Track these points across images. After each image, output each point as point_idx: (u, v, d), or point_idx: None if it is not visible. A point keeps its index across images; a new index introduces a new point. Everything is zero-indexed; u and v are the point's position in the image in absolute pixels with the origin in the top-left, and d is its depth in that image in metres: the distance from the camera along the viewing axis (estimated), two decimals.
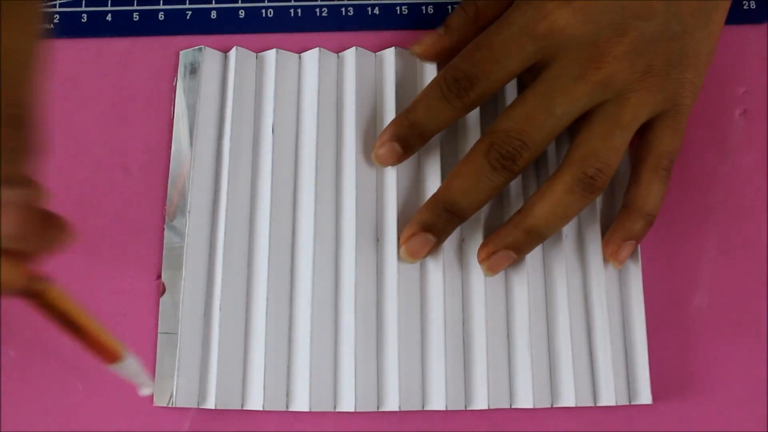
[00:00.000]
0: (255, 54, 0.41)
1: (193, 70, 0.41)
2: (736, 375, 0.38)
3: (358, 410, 0.36)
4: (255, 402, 0.36)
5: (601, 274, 0.38)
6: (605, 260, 0.38)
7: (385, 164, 0.38)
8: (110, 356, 0.31)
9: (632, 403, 0.37)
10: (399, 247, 0.38)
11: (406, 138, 0.37)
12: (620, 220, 0.38)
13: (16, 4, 0.24)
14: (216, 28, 0.42)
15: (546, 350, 0.38)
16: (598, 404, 0.37)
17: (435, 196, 0.37)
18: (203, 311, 0.37)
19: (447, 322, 0.37)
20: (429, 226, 0.36)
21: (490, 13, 0.38)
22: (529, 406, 0.37)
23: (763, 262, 0.40)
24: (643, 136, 0.38)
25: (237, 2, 0.43)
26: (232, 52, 0.41)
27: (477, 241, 0.38)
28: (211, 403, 0.36)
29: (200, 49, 0.41)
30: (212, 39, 0.42)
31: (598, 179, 0.35)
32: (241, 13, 0.43)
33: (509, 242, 0.36)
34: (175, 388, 0.36)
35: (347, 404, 0.37)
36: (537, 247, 0.38)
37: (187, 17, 0.43)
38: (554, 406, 0.37)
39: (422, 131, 0.37)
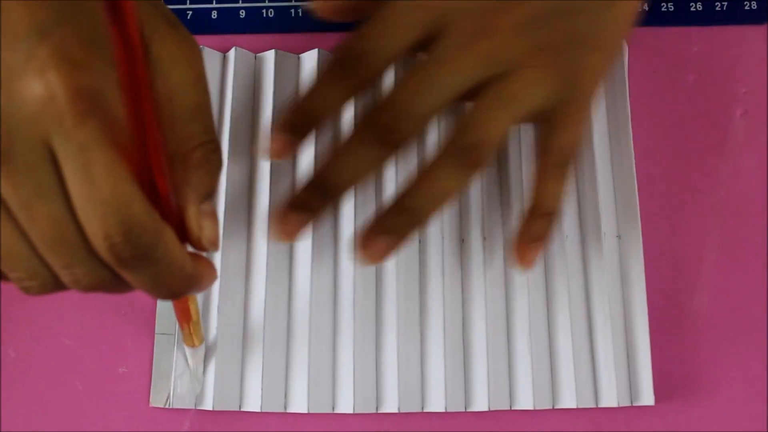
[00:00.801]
0: (254, 55, 0.41)
1: None
2: (738, 375, 0.38)
3: (356, 412, 0.36)
4: (253, 403, 0.36)
5: (602, 275, 0.38)
6: (513, 265, 0.37)
7: (277, 155, 0.34)
8: (191, 341, 0.35)
9: (634, 404, 0.37)
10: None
11: (293, 122, 0.34)
12: (522, 222, 0.36)
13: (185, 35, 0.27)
14: (216, 28, 0.42)
15: (547, 351, 0.38)
16: (599, 405, 0.37)
17: (315, 171, 0.34)
18: (200, 312, 0.37)
19: (446, 322, 0.37)
20: (304, 203, 0.34)
21: None
22: (530, 407, 0.37)
23: (764, 261, 0.40)
24: (542, 129, 0.36)
25: (237, 2, 0.43)
26: (231, 53, 0.41)
27: (477, 241, 0.38)
28: (208, 404, 0.36)
29: None
30: (212, 39, 0.42)
31: (473, 152, 0.33)
32: (242, 13, 0.43)
33: (390, 225, 0.33)
34: (172, 389, 0.36)
35: (346, 405, 0.37)
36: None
37: (188, 17, 0.43)
38: (555, 407, 0.37)
39: (312, 112, 0.34)
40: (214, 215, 0.28)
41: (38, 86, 0.23)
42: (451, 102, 0.33)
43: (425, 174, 0.33)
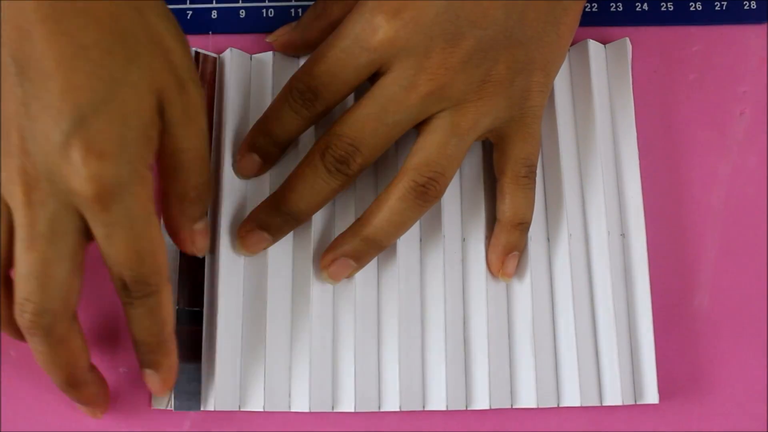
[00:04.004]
0: (249, 56, 0.41)
1: None
2: (743, 373, 0.39)
3: (358, 410, 0.36)
4: (255, 403, 0.36)
5: (606, 273, 0.38)
6: (493, 276, 0.38)
7: (248, 175, 0.39)
8: None
9: (638, 403, 0.37)
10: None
11: (264, 148, 0.38)
12: (496, 235, 0.38)
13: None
14: (216, 27, 0.42)
15: (551, 349, 0.38)
16: (603, 404, 0.37)
17: (274, 195, 0.37)
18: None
19: (447, 321, 0.37)
20: (266, 225, 0.37)
21: (337, 11, 0.38)
22: (532, 405, 0.37)
23: (764, 261, 0.40)
24: (497, 146, 0.38)
25: (237, 2, 0.43)
26: (227, 54, 0.40)
27: (478, 240, 0.38)
28: (209, 405, 0.36)
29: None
30: (212, 39, 0.42)
31: (431, 188, 0.35)
32: (242, 13, 0.43)
33: (348, 250, 0.36)
34: (174, 390, 0.36)
35: (347, 404, 0.37)
36: (542, 247, 0.39)
37: (188, 17, 0.42)
38: (558, 405, 0.37)
39: (277, 141, 0.38)
40: (205, 231, 0.35)
41: (72, 178, 0.29)
42: (401, 134, 0.36)
43: (384, 205, 0.35)
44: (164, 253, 0.32)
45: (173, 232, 0.35)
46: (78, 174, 0.29)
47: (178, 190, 0.33)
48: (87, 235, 0.31)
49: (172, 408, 0.36)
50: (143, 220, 0.30)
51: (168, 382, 0.34)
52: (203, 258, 0.38)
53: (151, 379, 0.34)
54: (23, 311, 0.31)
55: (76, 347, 0.33)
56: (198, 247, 0.35)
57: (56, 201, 0.30)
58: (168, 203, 0.34)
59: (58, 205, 0.30)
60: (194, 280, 0.38)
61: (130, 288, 0.31)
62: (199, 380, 0.37)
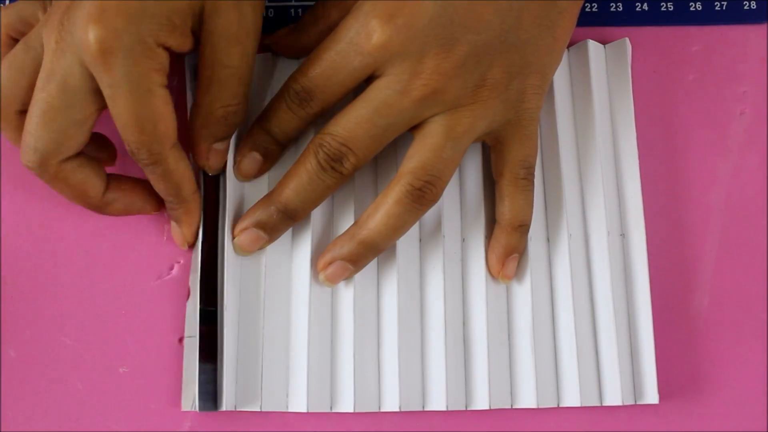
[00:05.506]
0: None
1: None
2: (743, 373, 0.38)
3: (357, 411, 0.36)
4: (253, 403, 0.36)
5: (606, 273, 0.38)
6: (494, 278, 0.38)
7: (249, 175, 0.39)
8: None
9: (638, 403, 0.37)
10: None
11: (265, 145, 0.38)
12: (496, 237, 0.38)
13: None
14: None
15: (551, 350, 0.38)
16: (604, 404, 0.37)
17: (270, 194, 0.37)
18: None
19: (447, 321, 0.37)
20: (262, 223, 0.37)
21: (335, 14, 0.38)
22: (532, 406, 0.37)
23: (764, 261, 0.40)
24: (494, 148, 0.38)
25: None
26: None
27: (478, 240, 0.38)
28: (223, 406, 0.36)
29: None
30: None
31: (427, 191, 0.35)
32: None
33: (345, 254, 0.36)
34: (197, 392, 0.36)
35: (346, 405, 0.37)
36: (542, 247, 0.39)
37: None
38: (558, 406, 0.37)
39: (276, 139, 0.38)
40: (223, 152, 0.37)
41: (82, 33, 0.32)
42: (394, 137, 0.36)
43: (381, 208, 0.35)
44: (167, 122, 0.33)
45: (193, 142, 0.36)
46: (85, 30, 0.31)
47: (207, 103, 0.35)
48: (98, 98, 0.33)
49: (197, 409, 0.36)
50: (145, 89, 0.32)
51: (188, 237, 0.38)
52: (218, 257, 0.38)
53: (174, 231, 0.38)
54: (23, 146, 0.34)
55: (77, 182, 0.35)
56: (211, 164, 0.37)
57: (73, 54, 0.32)
58: (195, 113, 0.36)
59: (74, 58, 0.32)
60: (212, 279, 0.38)
61: (134, 154, 0.34)
62: (215, 381, 0.36)
